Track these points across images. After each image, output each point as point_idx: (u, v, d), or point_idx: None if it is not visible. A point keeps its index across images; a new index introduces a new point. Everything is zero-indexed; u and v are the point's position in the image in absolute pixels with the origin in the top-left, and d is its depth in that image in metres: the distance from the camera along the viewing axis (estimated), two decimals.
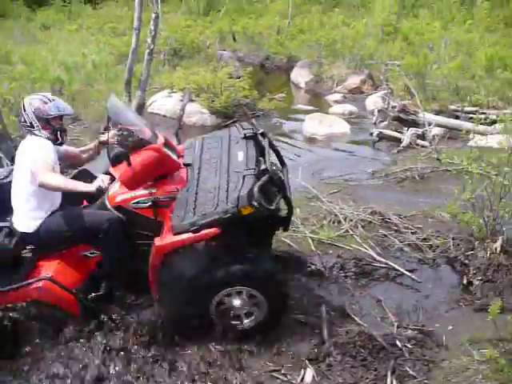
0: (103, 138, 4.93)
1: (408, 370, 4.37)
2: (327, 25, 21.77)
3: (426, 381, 4.23)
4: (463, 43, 17.89)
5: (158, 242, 4.34)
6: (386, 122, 11.80)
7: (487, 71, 14.20)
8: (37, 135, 4.71)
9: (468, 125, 10.21)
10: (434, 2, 31.56)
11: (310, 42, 20.20)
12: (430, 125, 10.64)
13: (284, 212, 4.81)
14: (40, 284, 4.51)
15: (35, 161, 4.56)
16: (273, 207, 4.36)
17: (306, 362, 4.51)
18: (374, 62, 17.24)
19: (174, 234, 4.25)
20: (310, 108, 14.49)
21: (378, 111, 12.45)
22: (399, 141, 10.75)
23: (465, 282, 5.67)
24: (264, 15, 34.92)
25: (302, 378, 4.36)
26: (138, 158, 4.51)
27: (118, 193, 4.75)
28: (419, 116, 11.06)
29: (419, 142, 10.58)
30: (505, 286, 5.53)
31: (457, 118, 11.84)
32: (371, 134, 11.40)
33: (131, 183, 4.59)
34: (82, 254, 4.88)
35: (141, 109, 11.52)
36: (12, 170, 4.95)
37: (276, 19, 30.10)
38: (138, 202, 4.65)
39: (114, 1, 43.13)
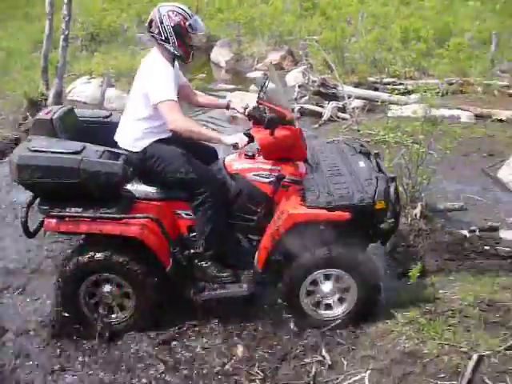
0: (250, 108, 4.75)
1: (335, 337, 4.46)
2: (245, 3, 21.61)
3: (352, 347, 4.33)
4: (380, 16, 18.19)
5: (292, 209, 4.26)
6: (306, 97, 11.90)
7: (403, 43, 14.53)
8: (169, 51, 4.49)
9: (386, 96, 10.43)
10: None
11: (229, 20, 20.07)
12: (349, 97, 10.81)
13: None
14: (144, 221, 4.33)
15: (158, 87, 4.35)
16: (398, 211, 4.48)
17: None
18: (294, 38, 17.35)
19: (308, 208, 4.23)
20: (232, 87, 14.45)
21: (299, 86, 12.52)
22: (321, 115, 10.86)
23: (388, 249, 5.78)
24: None
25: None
26: (281, 132, 4.40)
27: (239, 160, 4.64)
28: (339, 89, 11.21)
29: (340, 114, 10.73)
30: (425, 250, 5.71)
31: (376, 89, 12.07)
32: (293, 110, 11.45)
33: (268, 151, 4.49)
34: (177, 212, 4.66)
35: (59, 96, 11.17)
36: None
37: None
38: (259, 175, 4.53)
39: None
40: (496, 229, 5.86)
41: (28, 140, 4.31)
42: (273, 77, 4.89)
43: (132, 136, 4.56)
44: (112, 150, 4.32)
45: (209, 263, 4.58)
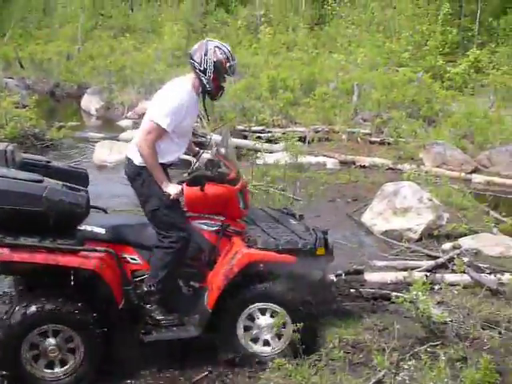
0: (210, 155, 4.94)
1: None
2: (118, 50, 21.57)
3: None
4: (250, 65, 18.70)
5: (246, 250, 4.48)
6: None
7: (271, 92, 14.97)
8: (201, 82, 4.55)
9: (251, 144, 10.60)
10: (222, 27, 32.80)
11: (100, 68, 19.94)
12: (213, 144, 10.87)
13: None
14: (103, 255, 4.26)
15: (161, 109, 4.45)
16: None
17: None
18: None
19: (260, 249, 4.52)
20: (102, 135, 14.21)
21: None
22: (190, 163, 10.83)
23: None
24: (53, 41, 33.89)
25: None
26: (212, 189, 4.59)
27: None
28: (207, 138, 11.26)
29: (203, 157, 10.72)
30: None
31: (245, 137, 12.29)
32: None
33: (193, 206, 4.67)
34: (123, 256, 4.56)
35: None
36: None
37: (66, 45, 29.39)
38: (204, 224, 4.71)
39: None
40: (361, 272, 6.06)
41: None
42: (226, 137, 5.40)
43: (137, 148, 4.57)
44: (71, 185, 4.21)
45: (154, 306, 4.57)
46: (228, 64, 4.57)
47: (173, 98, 4.51)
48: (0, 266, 4.16)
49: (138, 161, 4.56)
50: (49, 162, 4.73)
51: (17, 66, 25.97)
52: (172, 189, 4.47)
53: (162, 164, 4.57)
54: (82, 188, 4.34)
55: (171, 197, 4.45)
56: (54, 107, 19.95)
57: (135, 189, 4.65)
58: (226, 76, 4.64)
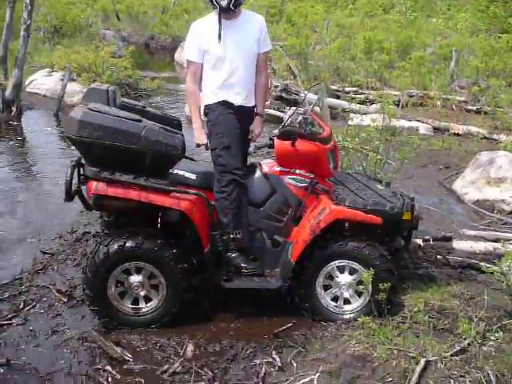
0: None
1: (285, 340, 4.47)
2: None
3: (303, 349, 4.34)
4: (345, 26, 18.40)
5: (334, 206, 4.48)
6: (268, 102, 11.90)
7: (366, 53, 14.70)
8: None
9: (346, 104, 10.48)
10: None
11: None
12: (311, 104, 10.83)
13: None
14: (194, 198, 4.39)
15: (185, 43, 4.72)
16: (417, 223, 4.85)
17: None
18: None
19: (348, 207, 4.51)
20: None
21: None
22: (281, 120, 10.85)
23: None
24: None
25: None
26: (303, 146, 4.61)
27: (275, 163, 4.81)
28: (301, 95, 11.25)
29: (297, 114, 10.70)
30: None
31: (338, 97, 12.16)
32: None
33: (284, 161, 4.71)
34: (212, 202, 4.63)
35: (18, 88, 11.03)
36: None
37: None
38: (293, 179, 4.74)
39: None
40: (449, 239, 5.92)
41: (83, 104, 4.21)
42: (322, 95, 5.18)
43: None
44: (168, 128, 4.31)
45: (236, 254, 4.61)
46: None
47: (190, 32, 4.62)
48: (94, 199, 4.25)
49: (203, 103, 4.66)
50: (144, 107, 4.84)
51: (114, 18, 26.51)
52: (198, 136, 4.58)
53: (230, 103, 4.62)
54: (179, 132, 4.40)
55: (201, 145, 4.57)
56: (148, 58, 20.30)
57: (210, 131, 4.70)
58: None
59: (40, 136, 10.30)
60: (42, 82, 12.91)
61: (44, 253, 5.76)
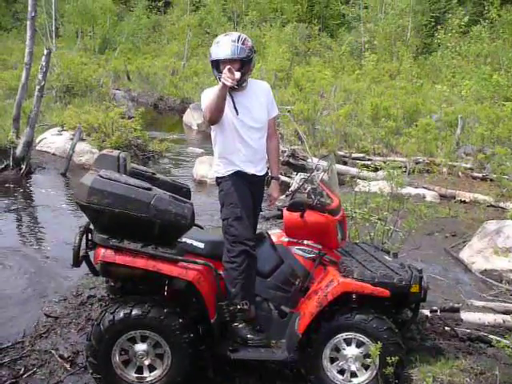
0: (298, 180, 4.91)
1: None
2: None
3: None
4: (352, 91, 18.65)
5: (342, 279, 4.45)
6: None
7: (373, 119, 14.86)
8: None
9: (354, 171, 10.57)
10: (325, 52, 32.96)
11: (204, 84, 20.38)
12: (316, 168, 10.88)
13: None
14: (201, 268, 4.34)
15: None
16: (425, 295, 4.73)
17: None
18: None
19: (356, 280, 4.46)
20: (201, 150, 14.55)
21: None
22: (288, 185, 10.90)
23: None
24: (160, 56, 35.13)
25: None
26: (312, 217, 4.64)
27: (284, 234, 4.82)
28: (308, 161, 11.32)
29: (307, 185, 10.74)
30: None
31: (345, 163, 12.24)
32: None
33: (292, 231, 4.74)
34: (218, 272, 4.61)
35: (29, 146, 11.16)
36: None
37: (171, 60, 30.35)
38: (301, 249, 4.74)
39: (5, 32, 42.09)
40: (457, 310, 5.86)
41: (94, 171, 4.25)
42: (331, 164, 5.25)
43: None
44: (178, 196, 4.31)
45: (242, 324, 4.56)
46: (210, 50, 4.58)
47: (204, 97, 4.64)
48: (102, 266, 4.25)
49: (217, 173, 4.67)
50: (154, 173, 4.86)
51: (125, 79, 27.02)
52: (225, 77, 4.18)
53: (243, 173, 4.64)
54: (188, 201, 4.40)
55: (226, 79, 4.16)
56: (156, 119, 20.57)
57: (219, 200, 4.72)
58: (215, 60, 4.51)
59: (48, 195, 10.35)
60: (52, 141, 13.07)
61: (48, 316, 5.70)
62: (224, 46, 4.48)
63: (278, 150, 5.11)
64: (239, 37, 4.55)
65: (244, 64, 4.51)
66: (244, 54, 4.50)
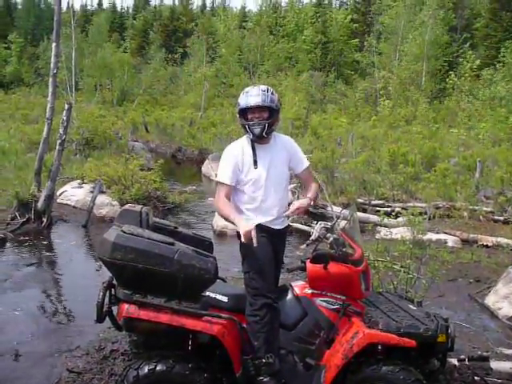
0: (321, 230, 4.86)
1: None
2: None
3: None
4: (369, 138, 18.74)
5: (368, 330, 4.41)
6: (295, 216, 11.92)
7: (391, 166, 14.88)
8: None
9: (374, 218, 10.52)
10: (341, 99, 33.29)
11: (222, 135, 20.57)
12: (338, 218, 10.86)
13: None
14: (225, 322, 4.32)
15: (220, 164, 4.68)
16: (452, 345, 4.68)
17: None
18: None
19: (381, 331, 4.42)
20: None
21: (288, 204, 12.61)
22: (309, 234, 10.79)
23: None
24: (177, 107, 35.63)
25: None
26: (335, 269, 4.59)
27: (307, 285, 4.76)
28: (328, 209, 11.31)
29: (328, 235, 10.71)
30: None
31: (364, 210, 12.21)
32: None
33: (315, 283, 4.67)
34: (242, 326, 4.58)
35: (50, 199, 11.27)
36: None
37: (189, 111, 30.76)
38: (325, 301, 4.68)
39: (27, 87, 43.07)
40: (486, 358, 5.72)
41: (117, 226, 4.27)
42: (353, 213, 5.19)
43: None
44: (200, 250, 4.31)
45: (267, 378, 4.47)
46: (239, 100, 4.62)
47: (223, 155, 4.66)
48: (126, 322, 4.22)
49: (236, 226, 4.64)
50: (176, 227, 4.88)
51: (143, 130, 27.37)
52: (243, 226, 4.35)
53: (264, 226, 4.63)
54: (211, 255, 4.41)
55: (254, 242, 4.28)
56: (175, 170, 20.73)
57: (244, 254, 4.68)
58: (244, 109, 4.59)
59: (69, 248, 10.39)
60: (73, 194, 13.21)
61: (70, 371, 5.65)
62: (254, 94, 4.58)
63: (316, 188, 5.08)
64: (268, 88, 4.67)
65: (272, 113, 4.59)
66: (273, 102, 4.59)
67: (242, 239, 4.36)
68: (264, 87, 4.67)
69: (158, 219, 5.01)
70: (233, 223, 4.54)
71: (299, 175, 5.00)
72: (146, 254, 4.02)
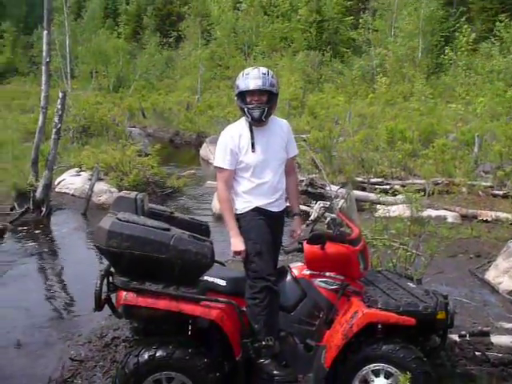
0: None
1: None
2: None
3: None
4: (366, 116, 18.66)
5: (367, 309, 4.40)
6: None
7: (389, 143, 14.83)
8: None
9: (374, 196, 10.51)
10: (337, 77, 33.12)
11: (219, 117, 20.48)
12: (337, 197, 10.85)
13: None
14: (224, 306, 4.33)
15: (216, 150, 4.67)
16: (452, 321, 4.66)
17: None
18: None
19: (381, 310, 4.40)
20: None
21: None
22: (308, 214, 10.87)
23: None
24: (173, 91, 35.51)
25: None
26: (332, 249, 4.60)
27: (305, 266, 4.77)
28: (326, 189, 11.29)
29: (327, 214, 10.71)
30: None
31: (363, 189, 12.18)
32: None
33: (313, 264, 4.67)
34: (243, 309, 4.57)
35: (48, 188, 11.25)
36: None
37: (185, 95, 30.64)
38: (324, 282, 4.67)
39: (22, 77, 42.93)
40: (487, 333, 5.72)
41: (112, 213, 4.27)
42: (349, 192, 5.18)
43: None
44: (197, 235, 4.30)
45: (268, 360, 4.49)
46: (238, 81, 4.57)
47: (220, 139, 4.63)
48: (124, 309, 4.24)
49: (235, 210, 4.65)
50: (172, 212, 4.86)
51: (140, 116, 27.27)
52: (235, 243, 4.50)
53: (262, 209, 4.63)
54: (207, 239, 4.40)
55: (240, 256, 4.48)
56: (173, 154, 20.68)
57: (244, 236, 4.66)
58: (243, 92, 4.53)
59: (69, 237, 10.41)
60: (71, 182, 13.17)
61: (72, 359, 5.67)
62: (254, 77, 4.52)
63: (297, 187, 5.14)
64: (268, 71, 4.62)
65: (271, 98, 4.56)
66: (273, 87, 4.56)
67: (233, 248, 4.49)
68: (264, 70, 4.62)
69: (153, 205, 4.99)
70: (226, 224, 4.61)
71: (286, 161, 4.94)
72: (141, 241, 4.01)
